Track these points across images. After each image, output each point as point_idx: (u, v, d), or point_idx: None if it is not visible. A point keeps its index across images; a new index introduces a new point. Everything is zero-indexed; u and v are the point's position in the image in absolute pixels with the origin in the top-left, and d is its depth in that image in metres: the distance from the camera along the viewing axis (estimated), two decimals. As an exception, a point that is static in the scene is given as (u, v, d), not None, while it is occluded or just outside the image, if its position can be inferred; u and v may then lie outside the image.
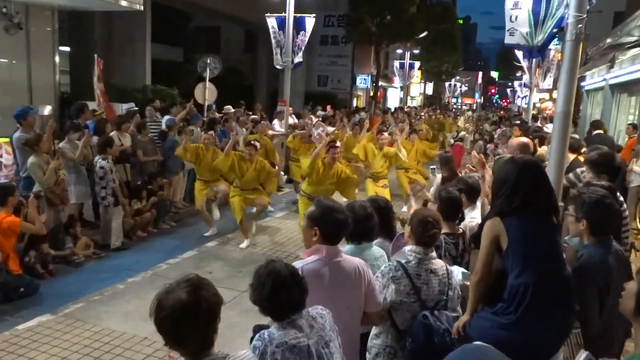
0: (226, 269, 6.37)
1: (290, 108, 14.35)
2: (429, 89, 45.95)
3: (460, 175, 6.29)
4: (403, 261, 2.79)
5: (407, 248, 2.85)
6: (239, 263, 6.61)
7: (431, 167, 5.99)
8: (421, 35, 24.61)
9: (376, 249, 3.16)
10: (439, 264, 2.84)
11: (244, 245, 7.10)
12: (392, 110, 23.40)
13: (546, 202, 2.53)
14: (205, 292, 1.79)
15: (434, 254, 2.85)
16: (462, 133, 18.81)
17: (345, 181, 6.50)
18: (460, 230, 3.52)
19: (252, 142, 7.37)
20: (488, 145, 15.90)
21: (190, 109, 9.93)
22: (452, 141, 16.77)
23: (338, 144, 6.47)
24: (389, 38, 23.19)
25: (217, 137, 9.17)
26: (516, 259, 2.49)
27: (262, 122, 9.91)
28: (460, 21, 46.85)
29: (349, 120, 15.97)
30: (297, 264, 2.49)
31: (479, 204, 4.09)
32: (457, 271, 2.97)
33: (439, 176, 5.95)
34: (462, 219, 3.52)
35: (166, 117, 9.29)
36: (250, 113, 13.02)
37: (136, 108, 9.39)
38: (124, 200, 7.02)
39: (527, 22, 4.17)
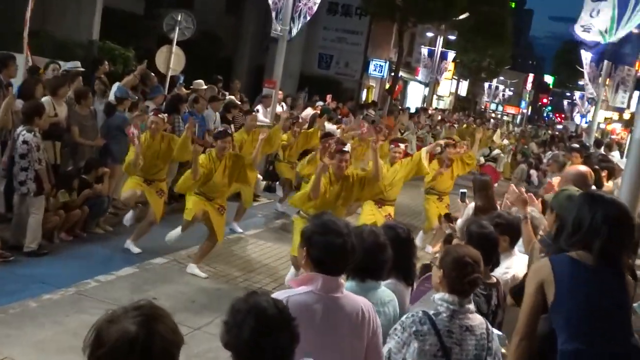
0: (176, 297, 6.35)
1: (280, 92, 14.41)
2: (463, 88, 46.43)
3: (498, 206, 6.36)
4: (431, 312, 2.81)
5: (437, 296, 2.86)
6: (194, 290, 6.60)
7: (462, 190, 6.02)
8: (461, 17, 24.86)
9: (385, 291, 3.17)
10: (477, 319, 2.86)
11: (193, 270, 6.99)
12: (413, 111, 23.57)
13: (617, 250, 2.58)
14: (161, 326, 1.75)
15: (471, 306, 2.87)
16: (497, 151, 18.90)
17: (362, 182, 6.21)
18: (494, 280, 3.55)
19: (227, 130, 7.37)
20: (532, 172, 16.04)
21: (141, 71, 9.88)
22: (481, 160, 16.80)
23: (348, 147, 6.33)
24: (418, 16, 23.42)
25: (182, 121, 9.21)
26: (566, 317, 2.52)
27: (254, 112, 9.89)
28: (513, 4, 47.54)
29: (354, 117, 16.09)
30: (281, 294, 2.50)
31: (517, 250, 4.13)
32: (492, 334, 2.99)
33: (471, 205, 5.97)
34: (496, 264, 3.56)
35: (116, 85, 9.28)
36: (227, 93, 13.05)
37: (81, 68, 9.37)
38: (50, 189, 6.98)
39: (610, 17, 4.28)
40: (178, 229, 7.12)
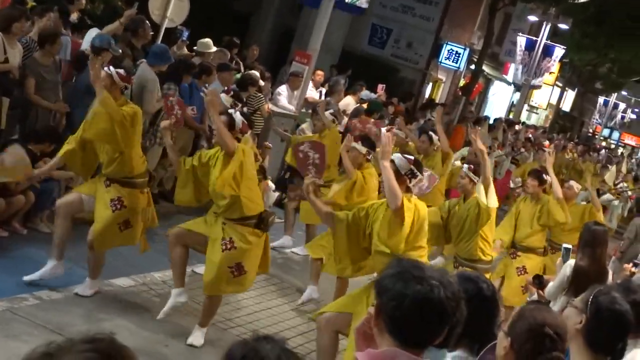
0: (142, 336, 6.47)
1: (320, 73, 14.54)
2: (567, 101, 46.34)
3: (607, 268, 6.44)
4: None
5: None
6: (169, 329, 6.72)
7: (565, 245, 6.15)
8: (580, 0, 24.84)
9: (451, 364, 3.27)
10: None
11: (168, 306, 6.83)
12: (490, 121, 23.62)
13: None
14: None
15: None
16: (607, 197, 18.83)
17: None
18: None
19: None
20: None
21: (129, 19, 10.06)
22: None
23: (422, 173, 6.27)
24: (519, -10, 23.51)
25: (180, 95, 9.40)
26: None
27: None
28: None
29: (409, 122, 16.28)
30: None
31: None
32: None
33: (569, 262, 6.13)
34: (619, 355, 3.61)
35: (94, 31, 9.48)
36: (241, 63, 13.24)
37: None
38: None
39: None
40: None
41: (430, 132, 10.44)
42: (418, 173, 6.07)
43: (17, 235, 7.92)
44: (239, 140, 6.66)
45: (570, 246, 6.25)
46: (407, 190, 6.00)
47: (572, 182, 10.42)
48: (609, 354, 3.49)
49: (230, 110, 6.91)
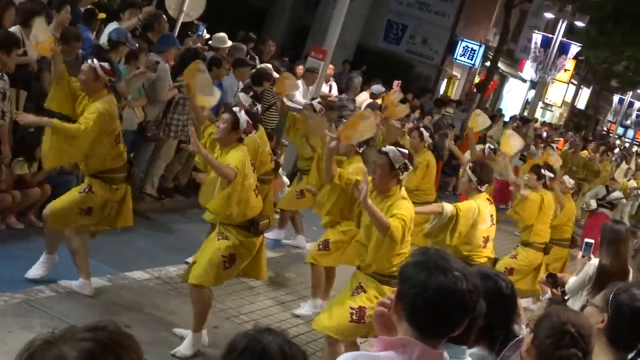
0: (156, 327, 6.52)
1: (331, 67, 14.50)
2: (582, 99, 46.16)
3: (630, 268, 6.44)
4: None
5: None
6: (182, 324, 6.70)
7: (587, 240, 6.15)
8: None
9: (470, 363, 3.25)
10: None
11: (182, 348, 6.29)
12: (507, 119, 23.58)
13: None
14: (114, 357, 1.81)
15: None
16: (617, 194, 18.69)
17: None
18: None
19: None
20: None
21: (147, 15, 10.08)
22: (592, 204, 16.59)
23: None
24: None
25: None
26: None
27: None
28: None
29: (422, 118, 16.21)
30: (359, 357, 2.60)
31: None
32: None
33: (594, 261, 6.10)
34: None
35: (114, 25, 9.50)
36: (257, 58, 13.23)
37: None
38: (8, 153, 7.20)
39: None
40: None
41: (422, 129, 10.51)
42: (410, 167, 6.08)
43: (33, 227, 7.95)
44: (241, 140, 6.47)
45: (591, 241, 6.23)
46: (398, 182, 5.98)
47: (565, 177, 10.49)
48: (631, 351, 3.49)
49: (235, 109, 6.63)
